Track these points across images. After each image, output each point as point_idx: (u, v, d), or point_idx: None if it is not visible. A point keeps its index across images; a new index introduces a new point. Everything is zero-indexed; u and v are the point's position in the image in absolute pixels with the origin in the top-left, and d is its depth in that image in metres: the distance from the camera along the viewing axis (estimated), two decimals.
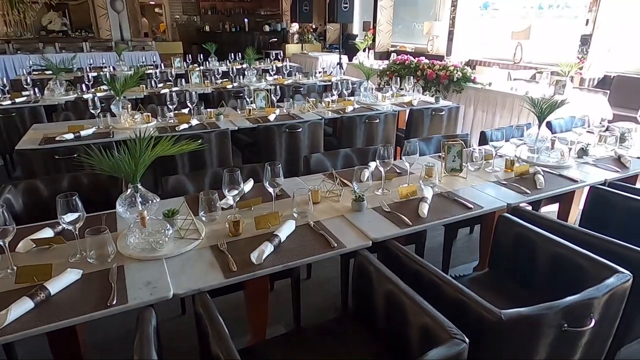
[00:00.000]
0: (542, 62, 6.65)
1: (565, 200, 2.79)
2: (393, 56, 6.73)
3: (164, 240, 1.51)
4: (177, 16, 14.87)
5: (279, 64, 7.13)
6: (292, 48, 11.02)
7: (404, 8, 10.07)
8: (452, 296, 1.33)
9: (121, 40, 11.23)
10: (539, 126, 2.49)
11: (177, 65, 6.75)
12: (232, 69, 5.33)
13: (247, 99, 3.73)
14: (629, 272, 1.37)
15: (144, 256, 1.47)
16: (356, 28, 11.73)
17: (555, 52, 6.57)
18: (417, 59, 6.28)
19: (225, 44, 12.56)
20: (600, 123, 3.09)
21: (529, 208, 2.83)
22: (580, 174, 2.33)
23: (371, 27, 10.06)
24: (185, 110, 3.62)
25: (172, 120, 3.38)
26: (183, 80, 5.07)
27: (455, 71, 5.45)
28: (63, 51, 9.91)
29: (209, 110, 3.56)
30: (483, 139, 3.01)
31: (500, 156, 2.63)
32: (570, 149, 2.51)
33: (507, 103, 4.86)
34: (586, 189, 2.25)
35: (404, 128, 4.04)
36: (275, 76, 5.72)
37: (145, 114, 3.31)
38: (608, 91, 4.76)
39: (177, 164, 2.97)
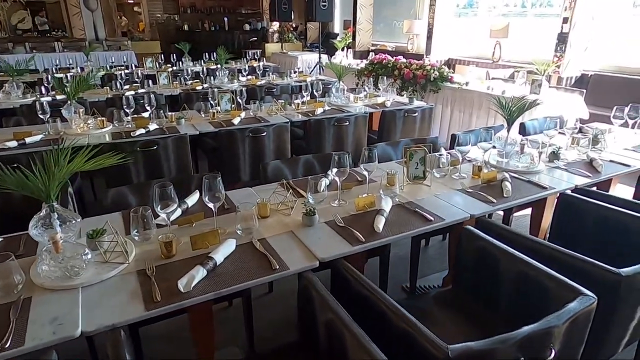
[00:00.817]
0: (521, 60, 6.59)
1: (537, 205, 2.68)
2: (371, 55, 6.60)
3: (80, 267, 1.34)
4: (159, 15, 14.56)
5: (255, 64, 6.97)
6: (271, 47, 10.84)
7: (384, 6, 9.96)
8: (398, 326, 1.20)
9: (95, 40, 10.92)
10: (508, 129, 2.38)
11: (148, 65, 6.53)
12: (203, 69, 5.14)
13: (212, 102, 3.55)
14: (593, 295, 1.25)
15: (57, 285, 1.30)
16: (337, 27, 11.60)
17: (534, 51, 6.52)
18: (394, 58, 6.17)
19: (204, 43, 12.32)
20: (574, 125, 3.00)
21: (501, 214, 2.75)
22: (551, 179, 2.22)
23: (350, 25, 9.92)
24: (146, 114, 3.43)
25: (129, 125, 3.20)
26: (151, 81, 4.86)
27: (432, 70, 5.34)
28: (34, 51, 9.59)
29: (170, 113, 3.38)
30: (454, 142, 2.89)
31: (469, 161, 2.52)
32: (540, 153, 2.40)
33: (483, 103, 4.77)
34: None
35: (377, 130, 3.91)
36: (249, 77, 5.54)
37: (100, 118, 3.12)
38: (584, 90, 4.69)
39: (131, 173, 2.79)
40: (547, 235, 2.23)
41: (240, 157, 3.12)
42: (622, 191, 3.52)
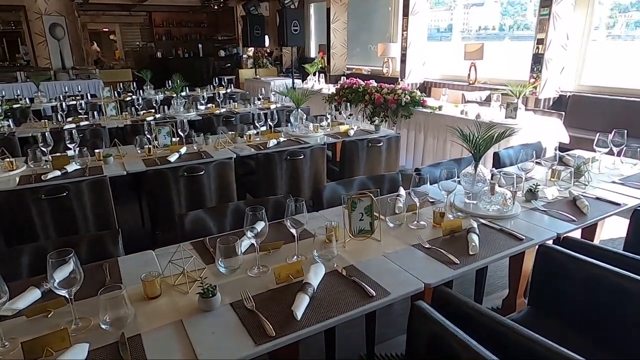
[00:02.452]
0: (498, 82, 6.35)
1: (515, 257, 2.30)
2: (343, 80, 6.30)
3: None
4: (137, 43, 14.29)
5: (223, 91, 6.62)
6: (245, 73, 10.55)
7: (360, 30, 9.80)
8: None
9: (62, 69, 10.51)
10: (475, 165, 2.00)
11: (106, 95, 6.13)
12: (156, 99, 4.74)
13: (149, 136, 3.14)
14: None
15: None
16: (313, 51, 11.41)
17: (511, 72, 6.29)
18: (365, 82, 5.87)
19: (177, 70, 12.01)
20: (554, 154, 2.65)
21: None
22: (528, 226, 1.83)
23: (324, 50, 9.71)
24: (70, 152, 2.99)
25: (46, 166, 2.76)
26: (95, 113, 4.44)
27: (403, 95, 5.03)
28: (29, 80, 9.14)
29: (98, 151, 2.95)
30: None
31: (432, 203, 2.12)
32: (515, 192, 2.02)
33: (461, 127, 4.42)
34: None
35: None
36: (208, 105, 5.16)
37: (8, 160, 2.67)
38: (563, 113, 4.40)
39: (36, 227, 2.33)
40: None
41: (174, 201, 2.69)
42: (611, 228, 3.17)
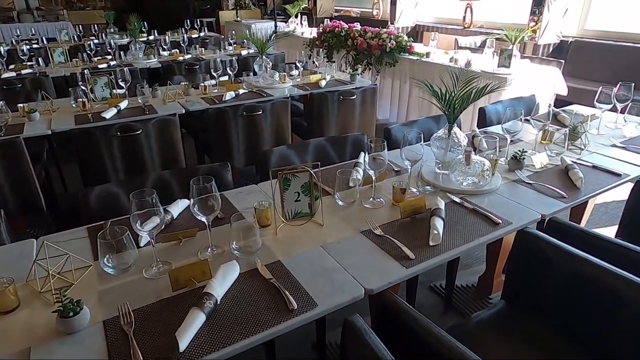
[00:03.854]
0: (495, 26, 5.79)
1: (491, 247, 2.02)
2: (326, 22, 5.71)
3: None
4: None
5: (195, 35, 6.03)
6: (226, 15, 9.75)
7: None
8: None
9: (26, 10, 9.68)
10: (449, 129, 1.63)
11: (63, 38, 5.55)
12: (110, 42, 4.22)
13: (83, 88, 2.71)
14: None
15: None
16: None
17: (510, 15, 5.72)
18: (349, 25, 5.31)
19: (154, 12, 11.13)
20: (548, 110, 2.28)
21: None
22: (507, 204, 1.51)
23: None
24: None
25: None
26: (41, 59, 3.94)
27: (388, 39, 4.52)
28: None
29: (21, 105, 2.54)
30: (390, 140, 2.14)
31: (398, 172, 1.78)
32: (496, 160, 1.67)
33: (445, 78, 3.98)
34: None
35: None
36: (173, 50, 4.64)
37: None
38: (563, 61, 3.96)
39: None
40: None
41: (108, 165, 2.32)
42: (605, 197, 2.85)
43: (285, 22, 7.33)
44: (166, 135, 2.44)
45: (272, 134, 2.79)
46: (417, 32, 6.98)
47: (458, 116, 1.62)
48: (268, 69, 3.19)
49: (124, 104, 2.66)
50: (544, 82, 3.77)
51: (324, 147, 2.00)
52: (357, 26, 5.19)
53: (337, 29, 5.31)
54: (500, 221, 1.38)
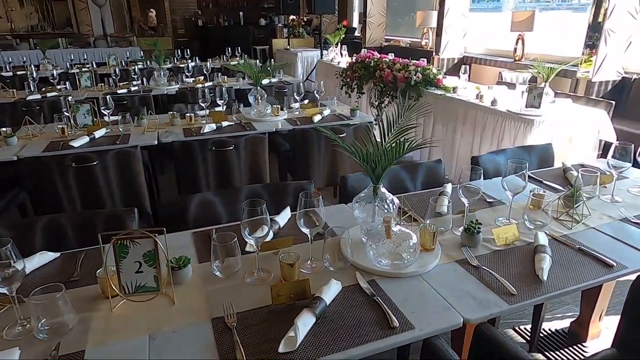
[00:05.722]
0: (552, 60, 5.21)
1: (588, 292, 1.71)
2: (363, 53, 5.52)
3: None
4: (185, 10, 14.17)
5: (235, 62, 6.13)
6: (279, 43, 9.94)
7: None
8: None
9: (102, 36, 10.62)
10: (374, 191, 1.30)
11: (112, 63, 5.90)
12: (135, 69, 4.35)
13: (67, 114, 2.72)
14: None
15: None
16: (356, 21, 10.50)
17: (568, 47, 5.12)
18: (380, 55, 5.06)
19: (216, 39, 11.71)
20: (562, 165, 1.84)
21: None
22: (424, 297, 1.15)
23: (339, 18, 8.91)
24: None
25: None
26: (68, 83, 4.14)
27: (414, 72, 4.20)
28: (37, 48, 9.38)
29: (4, 129, 2.59)
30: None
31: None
32: (433, 232, 1.30)
33: (468, 116, 3.59)
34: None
35: None
36: (197, 77, 4.69)
37: None
38: (613, 102, 3.37)
39: None
40: None
41: (61, 196, 2.26)
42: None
43: (326, 50, 7.25)
44: (126, 169, 2.34)
45: (246, 171, 2.59)
46: (464, 64, 6.52)
47: (382, 175, 1.29)
48: (260, 101, 3.02)
49: (100, 133, 2.62)
50: (587, 127, 3.21)
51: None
52: (389, 57, 4.93)
53: (367, 59, 5.08)
54: (407, 325, 1.03)
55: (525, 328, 2.11)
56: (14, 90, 3.99)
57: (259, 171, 2.62)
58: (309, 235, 1.24)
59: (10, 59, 5.71)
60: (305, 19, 10.51)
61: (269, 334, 0.99)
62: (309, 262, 1.27)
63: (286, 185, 1.80)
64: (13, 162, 2.36)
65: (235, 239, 1.18)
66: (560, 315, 2.19)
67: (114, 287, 1.08)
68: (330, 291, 1.10)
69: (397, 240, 1.26)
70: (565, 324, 2.10)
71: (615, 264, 1.27)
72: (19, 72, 5.30)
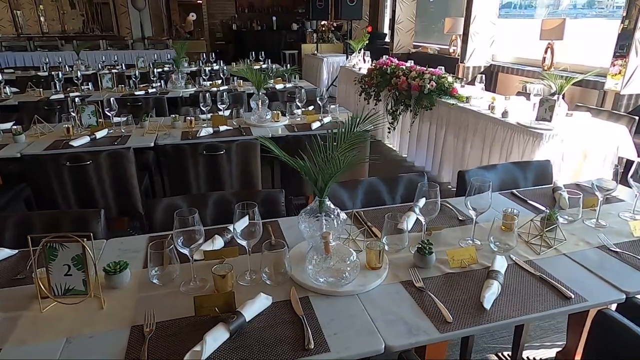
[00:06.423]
0: (582, 69, 4.95)
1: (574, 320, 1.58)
2: (382, 59, 5.45)
3: None
4: (222, 14, 14.57)
5: (256, 66, 6.21)
6: (307, 48, 9.98)
7: (431, 3, 8.60)
8: None
9: (141, 39, 11.06)
10: (319, 205, 1.27)
11: (140, 65, 6.14)
12: (154, 72, 4.49)
13: (73, 114, 2.84)
14: None
15: None
16: (387, 26, 10.40)
17: (600, 57, 4.84)
18: (398, 62, 4.98)
19: (249, 43, 11.93)
20: (553, 183, 1.74)
21: None
22: (341, 320, 1.10)
23: (369, 24, 8.83)
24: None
25: None
26: (90, 84, 4.33)
27: (428, 80, 4.10)
28: (84, 49, 9.90)
29: (14, 127, 2.73)
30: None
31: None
32: (379, 250, 1.25)
33: (479, 127, 3.46)
34: None
35: None
36: (211, 81, 4.78)
37: None
38: (637, 118, 3.14)
39: None
40: None
41: (57, 193, 2.35)
42: None
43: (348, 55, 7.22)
44: (120, 170, 2.40)
45: (238, 176, 2.61)
46: (491, 72, 6.32)
47: (326, 189, 1.25)
48: (260, 106, 3.04)
49: (101, 133, 2.71)
50: (604, 143, 3.02)
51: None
52: (408, 64, 4.84)
53: (385, 66, 5.01)
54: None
55: (508, 354, 2.00)
56: (41, 89, 4.21)
57: (251, 177, 2.63)
58: (247, 247, 1.23)
59: (47, 59, 6.04)
60: (335, 24, 10.51)
61: (180, 346, 0.98)
62: (247, 274, 1.25)
63: (256, 194, 1.79)
64: (18, 158, 2.48)
65: (172, 246, 1.19)
66: (549, 343, 2.07)
67: (43, 289, 1.10)
68: (255, 306, 1.08)
69: (336, 257, 1.22)
70: (551, 353, 1.97)
71: (573, 296, 1.17)
72: (53, 72, 5.62)
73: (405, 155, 4.74)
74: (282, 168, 2.76)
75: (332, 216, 1.27)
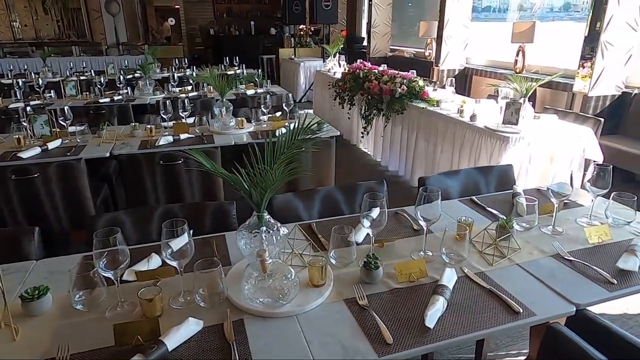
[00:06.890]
0: (553, 72, 4.98)
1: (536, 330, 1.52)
2: (356, 63, 5.42)
3: None
4: (200, 19, 14.42)
5: (231, 72, 6.12)
6: (284, 53, 9.93)
7: (407, 6, 8.64)
8: None
9: (115, 45, 10.84)
10: (259, 221, 1.20)
11: (110, 71, 5.98)
12: (120, 78, 4.36)
13: (25, 124, 2.71)
14: None
15: None
16: (364, 30, 10.41)
17: (570, 59, 4.89)
18: (370, 66, 4.95)
19: (227, 48, 11.82)
20: (513, 188, 1.70)
21: None
22: (270, 342, 1.03)
23: (346, 28, 8.84)
24: None
25: None
26: (53, 91, 4.18)
27: (399, 84, 4.07)
28: (52, 55, 9.65)
29: None
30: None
31: None
32: (322, 266, 1.19)
33: (448, 131, 3.43)
34: None
35: None
36: (181, 87, 4.67)
37: None
38: (602, 120, 3.15)
39: None
40: None
41: (2, 207, 2.23)
42: None
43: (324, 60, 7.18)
44: (69, 182, 2.29)
45: (199, 187, 2.52)
46: (466, 75, 6.35)
47: (263, 203, 1.18)
48: (224, 113, 2.96)
49: (54, 144, 2.59)
50: (571, 145, 3.02)
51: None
52: (380, 68, 4.81)
53: (358, 70, 4.97)
54: None
55: None
56: (1, 98, 4.04)
57: (212, 186, 2.54)
58: (178, 268, 1.15)
59: (12, 67, 5.84)
60: (312, 28, 10.48)
61: None
62: (181, 296, 1.17)
63: (205, 206, 1.71)
64: None
65: (96, 268, 1.10)
66: (515, 352, 2.02)
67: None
68: (180, 333, 1.00)
69: (277, 275, 1.15)
70: None
71: (522, 311, 1.12)
72: (20, 80, 5.42)
73: (380, 160, 4.70)
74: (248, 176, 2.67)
75: (272, 231, 1.20)
